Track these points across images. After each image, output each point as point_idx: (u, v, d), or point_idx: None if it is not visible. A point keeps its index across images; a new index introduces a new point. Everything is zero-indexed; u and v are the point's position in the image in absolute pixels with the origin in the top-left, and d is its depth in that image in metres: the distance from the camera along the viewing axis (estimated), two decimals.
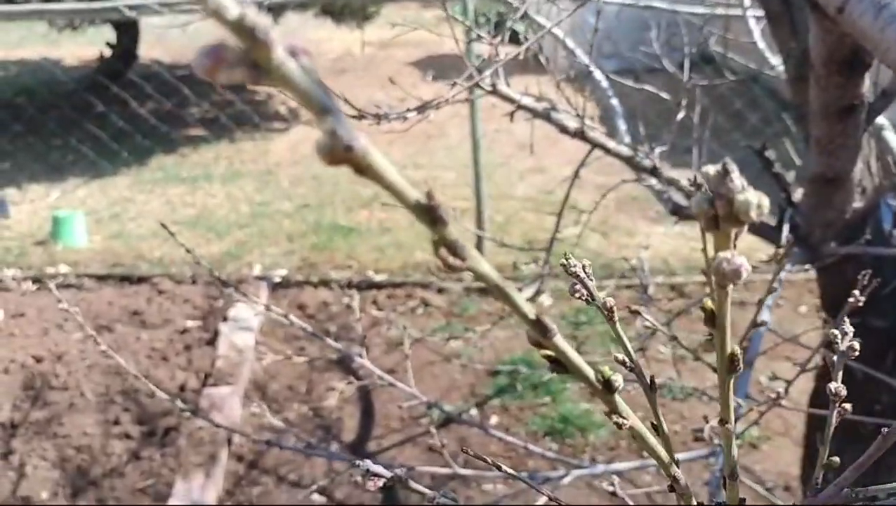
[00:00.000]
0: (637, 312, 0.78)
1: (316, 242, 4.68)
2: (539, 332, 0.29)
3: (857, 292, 0.88)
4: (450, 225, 0.23)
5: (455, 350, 3.55)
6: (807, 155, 1.55)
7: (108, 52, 7.73)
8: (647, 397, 0.44)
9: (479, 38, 1.55)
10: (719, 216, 0.25)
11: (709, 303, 0.31)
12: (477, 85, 1.54)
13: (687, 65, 1.85)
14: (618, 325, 0.44)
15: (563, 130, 1.68)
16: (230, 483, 2.79)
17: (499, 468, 0.48)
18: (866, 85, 1.29)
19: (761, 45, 2.14)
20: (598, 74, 1.95)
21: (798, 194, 1.67)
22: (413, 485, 0.60)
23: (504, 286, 0.26)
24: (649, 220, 4.75)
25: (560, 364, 0.30)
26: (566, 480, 1.47)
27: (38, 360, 3.38)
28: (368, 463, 0.59)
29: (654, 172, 1.63)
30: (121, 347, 3.45)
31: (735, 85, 4.37)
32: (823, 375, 1.78)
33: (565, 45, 1.95)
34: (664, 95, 1.86)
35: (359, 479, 0.60)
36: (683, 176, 1.73)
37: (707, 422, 1.05)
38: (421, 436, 3.00)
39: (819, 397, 1.81)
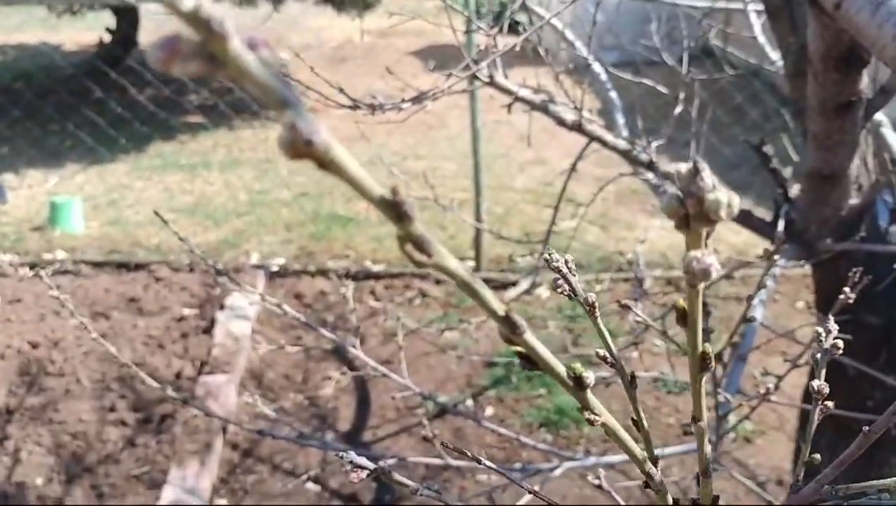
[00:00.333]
0: (626, 307, 0.78)
1: (314, 231, 4.68)
2: (508, 328, 0.28)
3: (847, 290, 0.88)
4: (415, 221, 0.22)
5: (451, 341, 3.55)
6: (804, 151, 1.54)
7: (107, 38, 7.70)
8: (627, 392, 0.44)
9: (478, 28, 1.55)
10: (690, 215, 0.25)
11: (681, 302, 0.31)
12: (474, 76, 1.53)
13: (685, 58, 1.84)
14: (599, 320, 0.44)
15: (561, 122, 1.68)
16: (225, 471, 2.79)
17: (478, 462, 0.48)
18: (864, 81, 1.29)
19: (762, 39, 2.13)
20: (597, 67, 1.95)
21: (795, 190, 1.67)
22: (396, 477, 0.60)
23: (472, 282, 0.26)
24: (648, 213, 4.75)
25: (531, 361, 0.30)
26: (557, 471, 1.47)
27: (35, 346, 3.38)
28: (352, 454, 0.60)
29: (650, 165, 1.63)
30: (117, 335, 3.46)
31: (736, 79, 4.36)
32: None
33: (564, 37, 1.94)
34: (662, 89, 1.85)
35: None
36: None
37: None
38: (416, 426, 3.01)
39: (814, 392, 1.81)
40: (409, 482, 0.60)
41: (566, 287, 0.44)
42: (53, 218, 4.71)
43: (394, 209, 0.22)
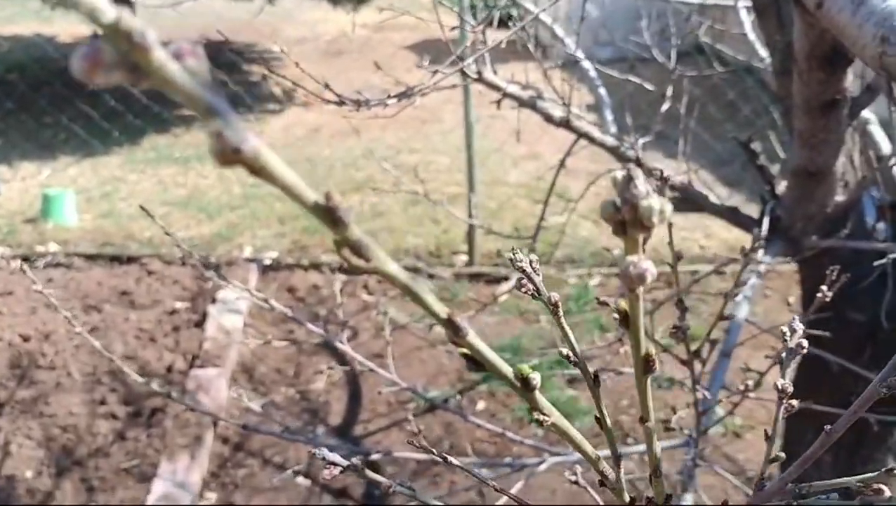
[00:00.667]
0: (605, 304, 0.78)
1: (307, 224, 4.67)
2: (452, 331, 0.29)
3: (825, 288, 0.89)
4: (351, 225, 0.23)
5: (442, 335, 3.56)
6: (791, 148, 1.55)
7: (101, 30, 7.66)
8: (591, 390, 0.44)
9: (464, 23, 1.54)
10: (626, 221, 0.25)
11: (623, 304, 0.32)
12: (462, 72, 1.53)
13: (674, 55, 1.85)
14: (563, 319, 0.44)
15: (549, 119, 1.68)
16: (215, 465, 2.80)
17: (445, 461, 0.49)
18: (849, 80, 1.29)
19: (752, 36, 2.13)
20: (586, 64, 1.95)
21: (782, 187, 1.68)
22: (369, 474, 0.61)
23: (412, 286, 0.26)
24: None
25: (477, 362, 0.30)
26: (542, 467, 1.48)
27: (26, 339, 3.38)
28: (325, 451, 0.60)
29: (637, 162, 1.63)
30: (109, 328, 3.45)
31: (729, 76, 4.36)
32: (802, 366, 1.79)
33: (553, 33, 1.94)
34: (648, 87, 1.86)
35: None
36: (670, 166, 1.72)
37: (675, 413, 1.06)
38: (407, 421, 3.02)
39: (797, 389, 1.82)
40: (383, 479, 0.61)
41: (530, 287, 0.45)
42: (46, 210, 4.70)
43: (328, 215, 0.22)
